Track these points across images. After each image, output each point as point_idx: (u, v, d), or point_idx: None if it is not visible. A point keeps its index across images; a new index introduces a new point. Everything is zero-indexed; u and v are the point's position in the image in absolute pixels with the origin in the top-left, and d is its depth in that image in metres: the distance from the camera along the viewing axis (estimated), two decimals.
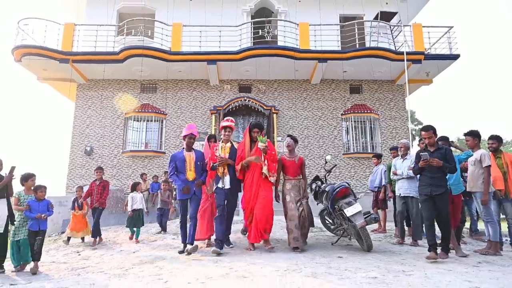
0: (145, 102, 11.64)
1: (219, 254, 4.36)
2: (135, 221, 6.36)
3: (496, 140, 4.83)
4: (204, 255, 4.49)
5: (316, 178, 5.76)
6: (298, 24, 11.12)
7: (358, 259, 4.09)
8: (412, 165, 4.82)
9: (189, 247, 4.43)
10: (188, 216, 4.76)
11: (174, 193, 7.89)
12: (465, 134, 4.90)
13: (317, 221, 5.41)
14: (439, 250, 4.07)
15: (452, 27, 11.20)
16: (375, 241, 5.52)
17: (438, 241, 4.15)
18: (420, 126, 24.37)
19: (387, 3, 12.25)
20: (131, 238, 6.34)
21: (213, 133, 10.47)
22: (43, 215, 4.39)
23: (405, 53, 10.15)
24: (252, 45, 11.14)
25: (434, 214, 4.14)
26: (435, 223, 4.23)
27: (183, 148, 4.90)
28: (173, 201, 8.12)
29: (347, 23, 11.56)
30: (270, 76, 11.58)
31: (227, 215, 4.85)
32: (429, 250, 4.04)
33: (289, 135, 5.24)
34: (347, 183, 5.00)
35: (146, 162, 11.21)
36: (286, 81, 11.90)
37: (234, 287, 2.93)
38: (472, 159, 4.78)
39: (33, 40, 10.81)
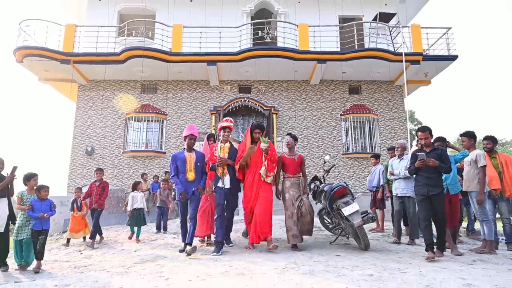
0: (146, 102, 11.72)
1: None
2: (136, 220, 6.41)
3: (491, 140, 4.91)
4: (204, 253, 4.57)
5: (315, 178, 5.84)
6: (297, 25, 11.20)
7: (355, 257, 4.17)
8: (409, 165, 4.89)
9: (188, 248, 4.46)
10: (188, 217, 4.79)
11: (173, 193, 7.96)
12: (461, 135, 4.98)
13: (316, 220, 5.48)
14: (435, 249, 4.14)
15: (450, 28, 11.29)
16: (373, 240, 5.60)
17: (434, 240, 4.23)
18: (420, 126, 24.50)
19: (386, 4, 12.34)
20: (130, 238, 6.36)
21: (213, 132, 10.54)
22: (45, 214, 4.44)
23: (403, 54, 10.22)
24: (252, 46, 11.24)
25: (431, 214, 4.21)
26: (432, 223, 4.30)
27: (184, 148, 4.94)
28: (172, 200, 8.17)
29: (346, 24, 11.65)
30: (270, 76, 11.66)
31: (227, 214, 4.91)
32: (426, 250, 4.11)
33: (288, 134, 5.31)
34: (345, 183, 5.07)
35: (147, 162, 11.29)
36: (285, 82, 11.98)
37: (234, 284, 3.01)
38: (468, 160, 4.85)
39: (35, 41, 10.90)
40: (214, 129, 10.95)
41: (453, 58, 10.99)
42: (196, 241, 5.09)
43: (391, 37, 11.39)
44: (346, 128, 11.72)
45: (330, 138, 11.61)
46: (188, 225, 4.73)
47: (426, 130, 4.37)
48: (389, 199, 6.39)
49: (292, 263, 3.83)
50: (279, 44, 11.35)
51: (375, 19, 11.55)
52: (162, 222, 7.28)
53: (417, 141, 5.84)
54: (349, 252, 4.56)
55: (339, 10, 12.12)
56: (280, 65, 10.96)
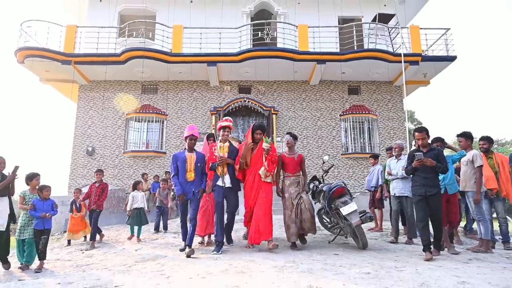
0: (146, 103, 11.79)
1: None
2: (136, 219, 6.45)
3: (487, 141, 4.97)
4: (204, 253, 4.63)
5: (314, 178, 5.90)
6: (297, 26, 11.27)
7: (353, 256, 4.23)
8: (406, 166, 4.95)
9: (187, 250, 4.43)
10: (188, 217, 4.78)
11: (172, 192, 8.00)
12: (458, 136, 5.04)
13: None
14: (432, 248, 4.20)
15: (449, 29, 11.35)
16: (371, 239, 5.67)
17: (431, 240, 4.29)
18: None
19: (385, 5, 12.40)
20: (130, 239, 6.39)
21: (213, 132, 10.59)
22: (47, 214, 4.48)
23: (402, 55, 10.30)
24: (251, 47, 11.31)
25: (428, 214, 4.25)
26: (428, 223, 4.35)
27: (185, 148, 4.94)
28: (171, 200, 8.19)
29: (345, 25, 11.72)
30: (270, 77, 11.73)
31: (229, 214, 4.95)
32: (424, 250, 4.15)
33: (288, 133, 5.35)
34: (343, 182, 5.13)
35: (147, 162, 11.36)
36: (285, 82, 12.05)
37: (233, 281, 3.07)
38: (465, 160, 4.91)
39: (36, 42, 10.97)
40: (214, 128, 11.02)
41: (451, 58, 11.05)
42: (196, 242, 5.09)
43: (390, 38, 11.46)
44: (346, 128, 11.79)
45: (329, 138, 11.68)
46: (188, 225, 4.71)
47: (423, 130, 4.43)
48: (388, 199, 6.46)
49: (291, 261, 3.89)
50: (279, 45, 11.42)
51: (374, 20, 11.61)
52: (162, 222, 7.33)
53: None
54: (348, 251, 4.63)
55: (339, 11, 12.19)
56: (279, 66, 11.02)
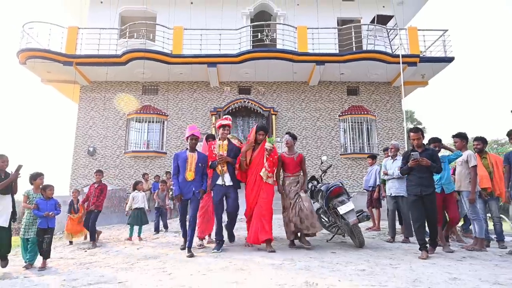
0: (147, 103, 11.90)
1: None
2: (137, 219, 6.52)
3: (481, 141, 5.08)
4: (204, 251, 4.73)
5: (312, 178, 6.00)
6: (296, 28, 11.38)
7: (350, 254, 4.34)
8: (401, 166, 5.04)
9: (187, 253, 4.39)
10: (187, 217, 4.77)
11: (171, 192, 8.08)
12: (453, 136, 5.14)
13: None
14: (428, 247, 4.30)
15: (446, 30, 11.46)
16: (368, 238, 5.77)
17: (427, 238, 4.39)
18: (420, 126, 24.70)
19: (384, 7, 12.51)
20: (129, 240, 6.38)
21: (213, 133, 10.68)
22: (50, 213, 4.54)
23: (400, 56, 10.41)
24: (251, 48, 11.42)
25: (423, 213, 4.34)
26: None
27: (187, 148, 4.96)
28: (170, 201, 8.25)
29: (344, 26, 11.82)
30: (269, 78, 11.84)
31: (230, 212, 5.01)
32: (420, 249, 4.24)
33: (287, 133, 5.39)
34: (341, 182, 5.22)
35: (148, 162, 11.46)
36: (284, 83, 12.16)
37: (233, 278, 3.17)
38: (460, 160, 5.01)
39: (38, 43, 11.08)
40: (213, 127, 11.12)
41: (449, 60, 11.16)
42: (195, 244, 5.06)
43: (388, 39, 11.57)
44: (344, 129, 11.90)
45: (328, 139, 11.79)
46: (187, 224, 4.71)
47: (419, 131, 4.53)
48: (385, 198, 6.55)
49: (289, 259, 3.99)
50: (278, 46, 11.53)
51: (373, 21, 11.73)
52: (161, 223, 7.41)
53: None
54: (345, 249, 4.73)
55: (338, 12, 12.31)
56: (279, 67, 11.13)
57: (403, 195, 5.42)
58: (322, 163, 6.11)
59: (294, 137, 5.34)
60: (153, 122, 11.75)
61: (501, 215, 5.19)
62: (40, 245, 4.44)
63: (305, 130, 11.85)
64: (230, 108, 11.43)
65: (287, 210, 4.96)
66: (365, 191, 7.59)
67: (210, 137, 5.56)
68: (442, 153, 6.39)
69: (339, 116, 11.91)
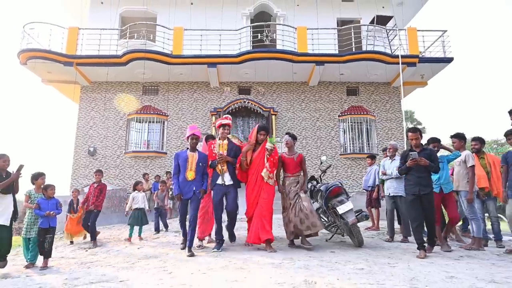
0: (147, 104, 11.94)
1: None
2: (137, 219, 6.54)
3: (479, 141, 5.12)
4: (205, 250, 4.77)
5: (312, 178, 6.04)
6: (296, 28, 11.42)
7: (349, 253, 4.38)
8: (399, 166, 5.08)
9: (188, 253, 4.41)
10: (187, 217, 4.78)
11: (170, 192, 8.11)
12: (452, 136, 5.18)
13: None
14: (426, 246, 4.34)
15: (446, 31, 11.51)
16: (367, 238, 5.81)
17: (425, 238, 4.43)
18: (420, 126, 24.75)
19: (383, 7, 12.56)
20: (128, 241, 6.35)
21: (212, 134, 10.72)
22: (52, 212, 4.57)
23: (400, 56, 10.45)
24: (251, 48, 11.46)
25: (422, 213, 4.38)
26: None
27: (187, 148, 4.96)
28: (169, 201, 8.28)
29: (344, 27, 11.87)
30: (269, 78, 11.88)
31: (230, 212, 5.04)
32: (418, 249, 4.28)
33: (287, 133, 5.38)
34: (340, 182, 5.25)
35: (148, 162, 11.50)
36: (284, 83, 12.20)
37: (233, 277, 3.21)
38: (458, 160, 5.05)
39: (38, 44, 11.12)
40: (214, 126, 11.15)
41: (448, 60, 11.21)
42: (195, 245, 5.08)
43: (388, 39, 11.62)
44: (344, 129, 11.94)
45: (328, 139, 11.83)
46: (187, 224, 4.73)
47: (417, 131, 4.57)
48: (384, 198, 6.60)
49: (289, 258, 4.03)
50: (278, 47, 11.57)
51: (372, 22, 11.76)
52: (161, 223, 7.45)
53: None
54: (344, 248, 4.77)
55: (337, 13, 12.35)
56: (279, 67, 11.17)
57: (401, 195, 5.45)
58: (321, 163, 6.15)
59: (294, 138, 5.35)
60: (153, 122, 11.79)
61: (498, 215, 5.22)
62: (41, 245, 4.46)
63: (305, 130, 11.89)
64: (230, 108, 11.47)
65: (287, 210, 4.99)
66: (364, 191, 7.63)
67: (209, 138, 5.58)
68: (441, 153, 6.44)
69: (339, 116, 11.95)
